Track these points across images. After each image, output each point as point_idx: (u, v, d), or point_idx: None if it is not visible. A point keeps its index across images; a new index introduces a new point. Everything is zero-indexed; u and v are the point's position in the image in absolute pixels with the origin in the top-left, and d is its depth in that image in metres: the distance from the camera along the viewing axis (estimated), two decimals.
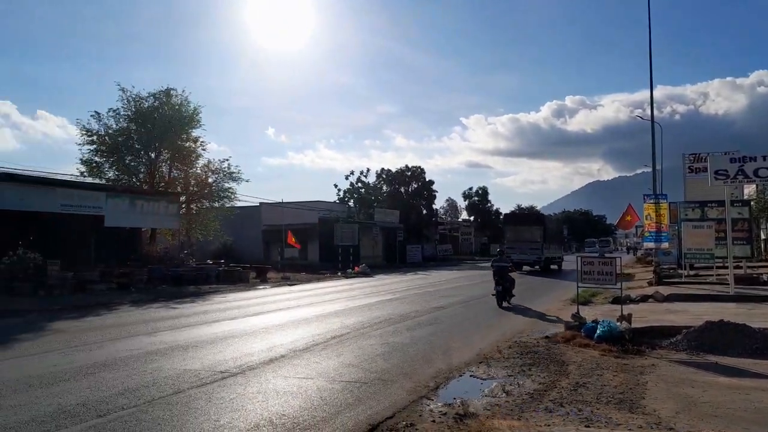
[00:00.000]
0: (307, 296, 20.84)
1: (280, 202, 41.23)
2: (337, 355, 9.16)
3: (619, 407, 6.23)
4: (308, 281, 29.14)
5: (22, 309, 15.99)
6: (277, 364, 8.53)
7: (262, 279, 28.71)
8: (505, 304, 16.27)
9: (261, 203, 42.60)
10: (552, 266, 36.35)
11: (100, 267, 23.61)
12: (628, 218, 24.43)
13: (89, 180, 29.99)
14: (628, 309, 12.17)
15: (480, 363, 8.68)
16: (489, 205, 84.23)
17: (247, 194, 53.64)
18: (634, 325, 10.68)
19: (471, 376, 7.97)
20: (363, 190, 60.53)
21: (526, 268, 33.46)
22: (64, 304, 17.22)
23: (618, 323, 10.40)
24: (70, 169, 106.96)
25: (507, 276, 16.55)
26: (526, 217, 46.73)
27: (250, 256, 38.10)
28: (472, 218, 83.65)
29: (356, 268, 36.00)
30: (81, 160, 30.47)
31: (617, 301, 14.30)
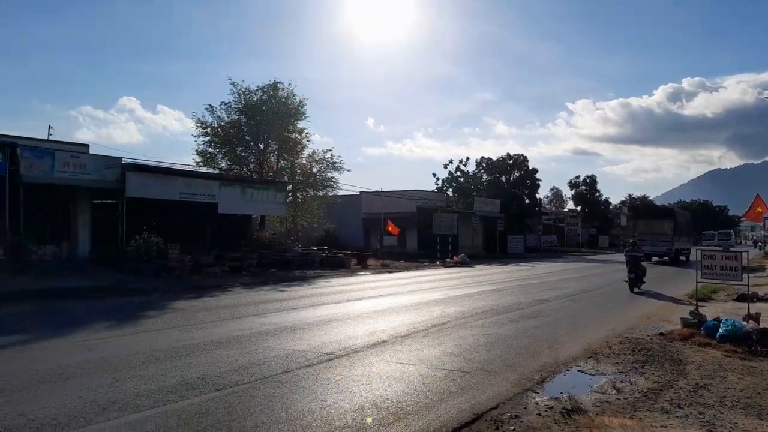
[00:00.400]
0: (406, 284, 21.02)
1: (379, 191, 41.85)
2: (438, 344, 9.16)
3: (745, 413, 5.74)
4: (407, 269, 29.37)
5: (148, 288, 17.40)
6: (379, 348, 8.68)
7: (363, 265, 29.31)
8: (636, 289, 17.74)
9: (361, 192, 43.49)
10: (681, 257, 37.60)
11: (215, 251, 25.14)
12: (759, 209, 22.37)
13: (204, 170, 32.11)
14: (755, 308, 11.18)
15: (588, 358, 8.34)
16: (597, 194, 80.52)
17: (348, 183, 54.99)
18: (762, 325, 9.79)
19: (578, 371, 7.68)
20: (462, 179, 59.91)
21: (654, 258, 34.68)
22: (183, 285, 18.55)
23: (744, 322, 9.59)
24: (187, 159, 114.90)
25: (639, 265, 18.17)
26: (657, 210, 45.15)
27: (351, 243, 39.06)
28: (578, 208, 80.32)
29: (455, 257, 35.80)
30: (196, 151, 32.78)
31: (742, 298, 13.17)
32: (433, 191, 54.74)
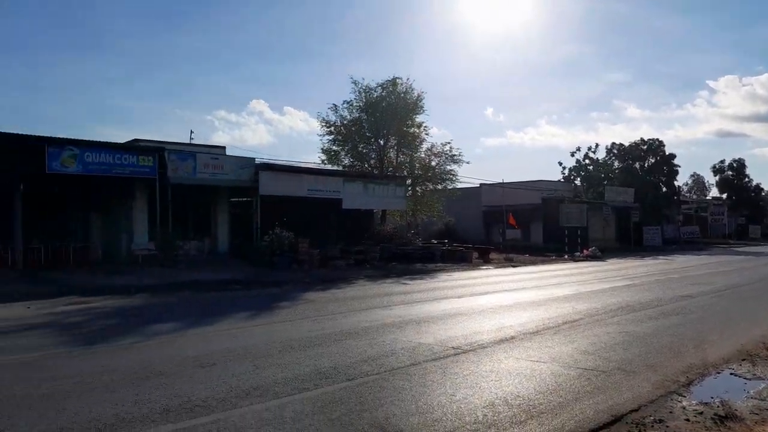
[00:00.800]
0: (532, 278, 20.40)
1: (500, 183, 40.96)
2: (570, 341, 8.76)
3: None
4: (532, 263, 28.51)
5: (280, 280, 18.43)
6: (507, 344, 8.47)
7: (485, 259, 28.89)
8: None
9: (481, 184, 42.86)
10: None
11: (340, 245, 26.06)
12: None
13: (329, 167, 33.37)
14: None
15: (742, 360, 7.55)
16: (746, 180, 72.95)
17: (467, 175, 54.43)
18: None
19: (731, 374, 6.97)
20: (591, 167, 56.96)
21: None
22: (312, 277, 19.42)
23: None
24: (312, 157, 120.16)
25: None
26: None
27: (471, 237, 38.63)
28: (724, 196, 73.23)
29: (585, 250, 34.18)
30: (322, 149, 34.26)
31: None
32: (559, 181, 52.63)
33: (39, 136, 19.66)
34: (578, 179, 56.25)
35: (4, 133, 19.22)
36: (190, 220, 27.44)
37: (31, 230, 21.30)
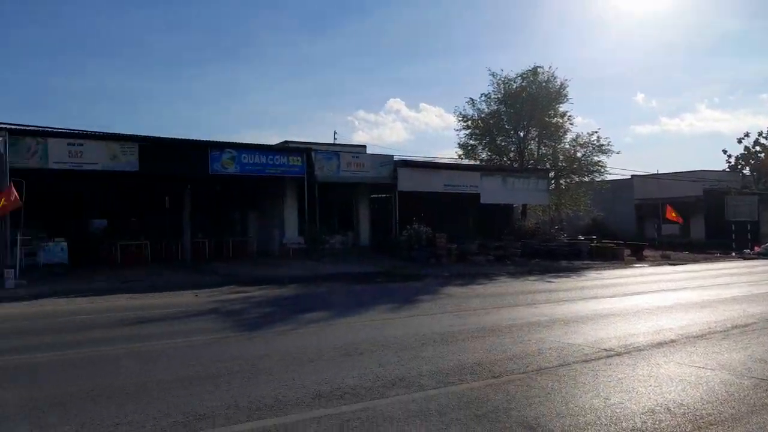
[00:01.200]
0: (693, 278, 18.63)
1: (654, 174, 37.93)
2: (742, 347, 7.84)
3: None
4: (693, 261, 26.06)
5: (419, 274, 18.64)
6: (666, 348, 7.78)
7: (638, 257, 26.93)
8: None
9: (633, 176, 39.93)
10: None
11: (478, 240, 25.76)
12: None
13: (466, 162, 33.09)
14: None
15: None
16: None
17: (616, 167, 50.98)
18: None
19: None
20: (762, 154, 50.65)
21: None
22: (450, 272, 19.40)
23: None
24: (448, 153, 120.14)
25: None
26: None
27: (622, 232, 36.17)
28: None
29: (756, 247, 30.56)
30: (458, 144, 34.00)
31: None
32: (723, 171, 47.46)
33: (202, 141, 21.70)
34: (747, 168, 50.29)
35: (174, 138, 21.48)
36: (334, 215, 28.78)
37: (196, 226, 23.65)
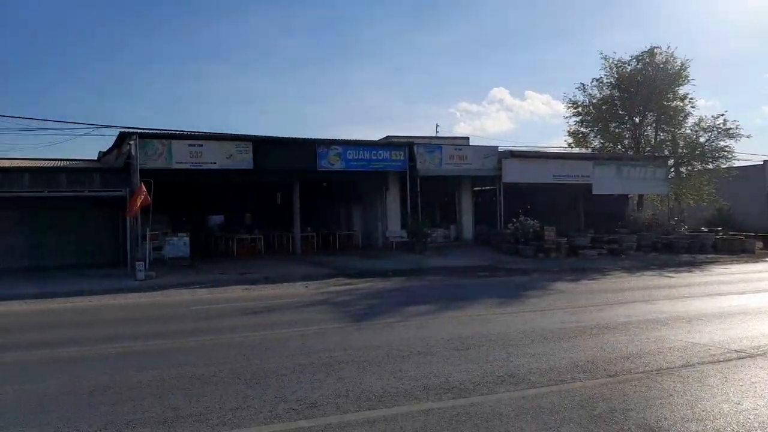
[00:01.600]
0: None
1: None
2: None
3: None
4: None
5: (526, 269, 18.13)
6: None
7: None
8: None
9: (765, 161, 36.26)
10: None
11: (590, 233, 24.62)
12: None
13: (576, 150, 31.70)
14: None
15: None
16: None
17: (746, 152, 46.61)
18: None
19: None
20: None
21: None
22: (560, 267, 18.69)
23: None
24: (556, 141, 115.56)
25: None
26: None
27: (753, 224, 32.96)
28: None
29: None
30: (567, 132, 32.67)
31: None
32: None
33: (310, 139, 22.45)
34: None
35: (284, 137, 22.36)
36: (436, 208, 28.74)
37: (305, 220, 24.58)
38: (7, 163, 20.79)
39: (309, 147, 21.93)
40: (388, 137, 27.29)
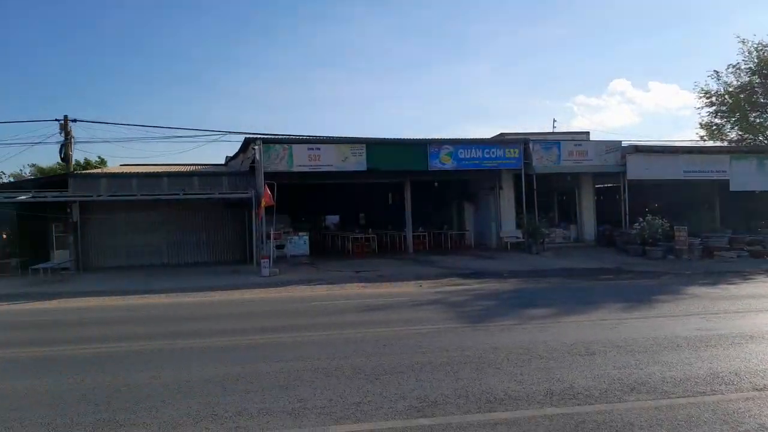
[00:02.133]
0: None
1: None
2: None
3: None
4: None
5: (655, 271, 16.93)
6: None
7: None
8: None
9: None
10: None
11: (727, 233, 22.54)
12: None
13: (710, 143, 29.17)
14: None
15: None
16: None
17: None
18: None
19: None
20: None
21: None
22: (693, 270, 17.26)
23: None
24: (686, 134, 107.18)
25: None
26: None
27: None
28: None
29: None
30: (700, 124, 30.19)
31: None
32: None
33: (421, 140, 22.55)
34: None
35: (396, 139, 22.69)
36: (554, 207, 27.72)
37: (417, 220, 24.72)
38: (150, 169, 22.95)
39: (420, 147, 22.04)
40: (501, 134, 26.72)
